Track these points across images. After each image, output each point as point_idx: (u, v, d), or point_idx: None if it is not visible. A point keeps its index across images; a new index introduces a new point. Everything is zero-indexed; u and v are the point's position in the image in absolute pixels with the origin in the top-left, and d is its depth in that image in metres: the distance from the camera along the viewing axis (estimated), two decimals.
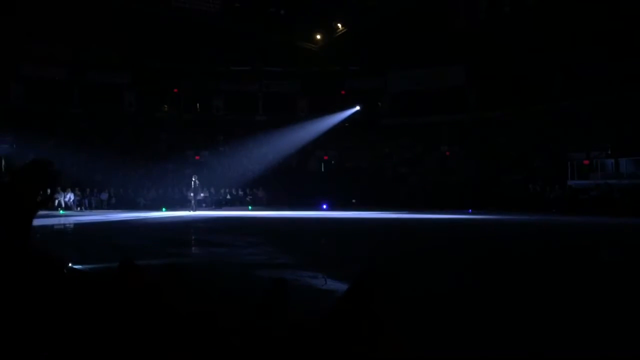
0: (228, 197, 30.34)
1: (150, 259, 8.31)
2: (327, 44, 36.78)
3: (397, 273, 7.79)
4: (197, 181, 25.36)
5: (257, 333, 2.61)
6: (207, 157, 33.57)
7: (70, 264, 6.11)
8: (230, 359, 2.51)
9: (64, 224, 17.85)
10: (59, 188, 25.26)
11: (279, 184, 31.05)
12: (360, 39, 34.42)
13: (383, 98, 37.88)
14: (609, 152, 25.30)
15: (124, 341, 2.26)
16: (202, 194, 27.42)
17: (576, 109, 28.07)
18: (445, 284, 7.18)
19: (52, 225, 16.85)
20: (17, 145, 27.24)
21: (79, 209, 26.38)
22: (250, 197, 30.67)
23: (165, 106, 37.08)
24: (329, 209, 27.10)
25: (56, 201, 25.55)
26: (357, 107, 36.49)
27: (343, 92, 37.33)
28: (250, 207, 28.57)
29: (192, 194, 25.72)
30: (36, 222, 4.20)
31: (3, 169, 25.56)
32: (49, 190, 4.67)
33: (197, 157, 33.18)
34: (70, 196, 26.44)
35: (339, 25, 35.91)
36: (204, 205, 27.27)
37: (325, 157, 35.30)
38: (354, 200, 29.56)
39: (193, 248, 12.22)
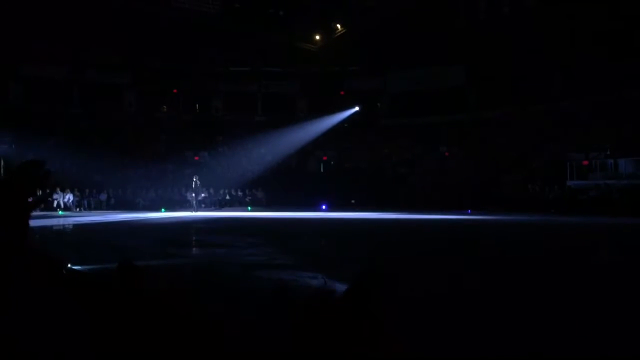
0: (227, 197, 30.32)
1: (149, 260, 8.30)
2: (327, 44, 36.80)
3: (397, 273, 7.78)
4: (198, 181, 25.29)
5: (259, 335, 2.60)
6: (207, 158, 33.56)
7: (69, 265, 6.10)
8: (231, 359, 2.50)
9: (63, 225, 17.83)
10: (57, 189, 25.24)
11: (278, 185, 31.02)
12: (360, 39, 34.43)
13: (382, 98, 37.90)
14: (608, 152, 25.31)
15: (123, 342, 2.25)
16: (202, 195, 27.39)
17: (576, 109, 28.10)
18: (445, 284, 7.18)
19: (51, 226, 16.84)
20: (16, 145, 27.21)
21: (77, 209, 26.35)
22: (250, 197, 30.66)
23: (165, 106, 37.07)
24: (328, 209, 27.08)
25: (55, 202, 25.53)
26: (357, 108, 36.50)
27: (342, 93, 37.34)
28: (249, 208, 28.55)
29: (193, 195, 25.67)
30: (35, 222, 4.19)
31: (2, 169, 25.52)
32: (39, 191, 4.64)
33: (196, 158, 33.17)
34: (69, 197, 26.41)
35: (338, 25, 35.94)
36: (203, 205, 27.26)
37: (325, 158, 35.29)
38: (353, 201, 29.54)
39: (193, 249, 12.21)
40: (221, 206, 28.96)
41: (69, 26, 29.35)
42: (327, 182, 31.28)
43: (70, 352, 1.60)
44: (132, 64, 35.13)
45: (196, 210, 24.84)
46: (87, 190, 27.58)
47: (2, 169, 25.34)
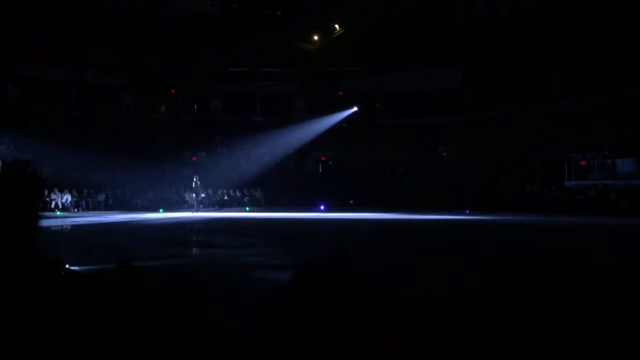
0: (225, 198, 30.29)
1: (147, 260, 8.28)
2: (325, 45, 36.80)
3: (396, 274, 7.78)
4: (198, 182, 25.22)
5: (259, 335, 2.59)
6: (205, 158, 33.53)
7: (67, 266, 6.09)
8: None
9: (61, 225, 17.78)
10: (55, 189, 25.20)
11: (277, 185, 31.02)
12: (358, 39, 34.44)
13: (380, 99, 37.91)
14: (606, 152, 25.34)
15: (122, 342, 2.24)
16: (202, 195, 27.36)
17: (574, 109, 28.11)
18: (445, 284, 7.17)
19: (49, 227, 16.81)
20: (14, 146, 27.16)
21: (75, 210, 26.30)
22: (248, 198, 30.64)
23: (163, 107, 37.03)
24: (327, 209, 27.06)
25: (53, 202, 25.49)
26: (355, 108, 36.52)
27: (340, 93, 37.35)
28: (247, 208, 28.53)
29: (194, 195, 25.61)
30: None
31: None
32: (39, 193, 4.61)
33: (194, 158, 33.15)
34: (67, 197, 26.36)
35: (336, 26, 35.93)
36: (201, 206, 27.25)
37: (323, 158, 35.30)
38: (351, 201, 29.54)
39: (191, 249, 12.19)
40: (221, 207, 28.93)
41: (66, 27, 29.31)
42: (325, 182, 31.28)
43: (70, 352, 1.59)
44: (130, 64, 35.10)
45: (197, 211, 24.78)
46: (85, 191, 27.53)
47: None
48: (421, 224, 18.87)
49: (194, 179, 25.23)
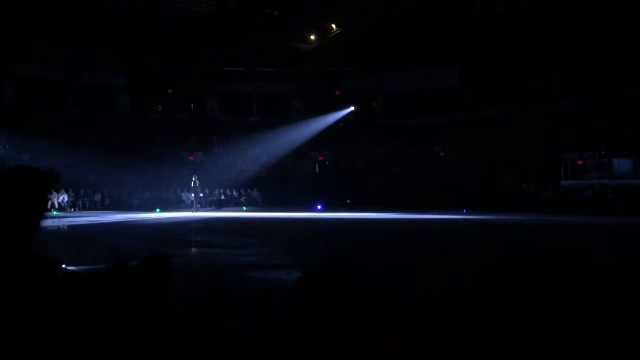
0: (222, 198, 30.25)
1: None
2: (322, 44, 36.76)
3: (396, 273, 7.77)
4: (197, 181, 25.14)
5: (258, 335, 2.58)
6: (202, 158, 33.48)
7: (63, 265, 6.04)
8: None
9: (58, 226, 17.73)
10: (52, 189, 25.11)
11: (274, 185, 30.99)
12: (355, 39, 34.41)
13: (377, 99, 37.89)
14: (603, 152, 25.37)
15: (121, 342, 2.22)
16: (201, 195, 27.30)
17: (573, 109, 28.09)
18: (445, 284, 7.16)
19: (46, 227, 16.73)
20: (11, 147, 27.07)
21: (72, 210, 26.24)
22: (245, 198, 30.60)
23: (160, 107, 36.96)
24: (324, 209, 27.04)
25: (49, 202, 25.38)
26: (352, 108, 36.48)
27: (338, 93, 37.30)
28: (244, 208, 28.49)
29: (193, 195, 25.53)
30: None
31: None
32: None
33: (191, 158, 33.08)
34: (64, 197, 26.29)
35: (334, 26, 35.90)
36: (199, 206, 27.20)
37: (320, 158, 35.27)
38: (348, 201, 29.52)
39: (189, 249, 12.15)
40: (220, 206, 28.87)
41: (63, 27, 29.21)
42: (322, 182, 31.27)
43: (69, 352, 1.57)
44: (127, 65, 35.00)
45: (196, 211, 24.70)
46: (82, 191, 27.46)
47: None
48: (419, 224, 18.86)
49: (193, 179, 25.13)
